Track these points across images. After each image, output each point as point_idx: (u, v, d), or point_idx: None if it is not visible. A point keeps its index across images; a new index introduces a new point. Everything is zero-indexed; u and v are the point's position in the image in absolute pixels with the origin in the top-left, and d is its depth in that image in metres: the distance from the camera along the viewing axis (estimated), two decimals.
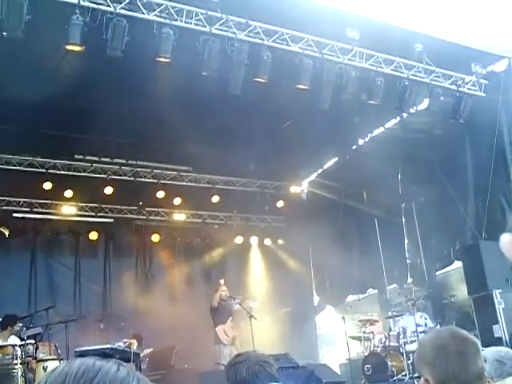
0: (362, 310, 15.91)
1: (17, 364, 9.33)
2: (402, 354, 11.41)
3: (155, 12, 9.43)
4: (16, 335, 10.35)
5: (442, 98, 12.36)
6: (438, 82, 12.19)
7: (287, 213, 18.37)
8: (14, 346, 9.61)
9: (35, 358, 9.95)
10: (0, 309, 11.50)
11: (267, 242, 18.51)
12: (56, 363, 9.75)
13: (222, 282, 13.28)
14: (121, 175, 15.91)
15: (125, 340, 11.48)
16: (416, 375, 10.07)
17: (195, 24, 9.78)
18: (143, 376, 1.23)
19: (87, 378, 1.14)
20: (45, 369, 9.56)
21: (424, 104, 12.85)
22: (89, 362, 1.19)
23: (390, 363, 11.51)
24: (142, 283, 15.65)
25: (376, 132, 15.59)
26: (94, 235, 15.74)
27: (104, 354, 9.61)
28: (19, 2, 8.27)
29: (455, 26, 11.51)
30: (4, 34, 8.48)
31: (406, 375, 11.05)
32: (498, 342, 10.72)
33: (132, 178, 16.03)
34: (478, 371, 2.32)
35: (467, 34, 11.72)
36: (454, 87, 12.35)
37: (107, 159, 15.74)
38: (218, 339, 12.78)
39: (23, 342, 9.79)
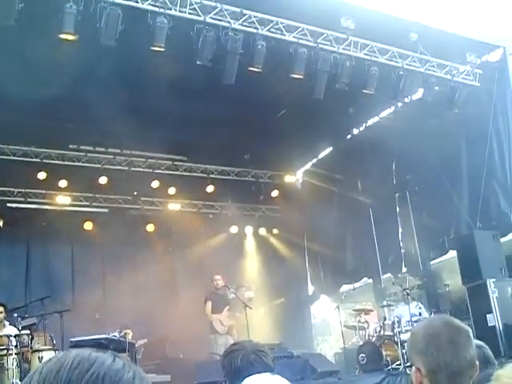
0: (357, 299, 15.94)
1: (12, 354, 9.33)
2: (397, 343, 11.43)
3: (149, 1, 9.40)
4: (10, 323, 10.39)
5: (436, 88, 12.36)
6: (433, 71, 12.18)
7: (282, 202, 18.37)
8: (9, 336, 9.62)
9: (31, 348, 9.95)
10: None
11: (262, 231, 18.54)
12: (51, 353, 9.76)
13: (217, 277, 13.19)
14: (115, 165, 15.86)
15: (120, 330, 11.50)
16: (407, 364, 10.11)
17: (189, 13, 9.76)
18: (139, 368, 1.23)
19: (82, 369, 1.14)
20: (40, 359, 9.56)
21: (419, 94, 12.84)
22: (84, 352, 1.19)
23: (384, 352, 11.54)
24: (136, 273, 15.63)
25: (370, 121, 15.59)
26: (88, 225, 15.72)
27: (99, 344, 9.61)
28: None
29: (450, 15, 11.54)
30: None
31: (400, 364, 11.08)
32: (492, 331, 10.78)
33: (126, 168, 15.99)
34: (469, 359, 2.32)
35: (462, 23, 11.75)
36: (448, 77, 12.34)
37: (102, 149, 15.71)
38: (213, 329, 12.78)
39: (18, 332, 9.80)
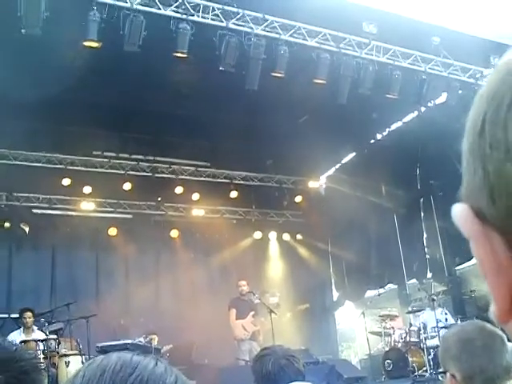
0: (382, 305, 15.87)
1: (40, 359, 9.40)
2: (423, 349, 11.35)
3: (172, 7, 9.48)
4: (38, 328, 10.50)
5: (460, 92, 12.28)
6: (456, 75, 12.11)
7: (306, 208, 18.33)
8: (36, 341, 9.71)
9: (58, 352, 10.03)
10: (22, 305, 11.58)
11: (286, 237, 18.47)
12: (78, 358, 9.84)
13: (242, 283, 13.17)
14: (139, 171, 15.92)
15: (145, 335, 11.55)
16: (440, 370, 10.01)
17: (212, 19, 9.82)
18: (180, 372, 1.23)
19: (125, 373, 1.14)
20: (67, 364, 9.62)
21: (442, 98, 12.76)
22: (126, 356, 1.19)
23: (410, 359, 11.45)
24: (161, 279, 15.69)
25: (394, 126, 15.52)
26: (113, 231, 15.77)
27: (125, 350, 9.61)
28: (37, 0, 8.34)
29: (473, 18, 11.43)
30: (23, 31, 8.56)
31: (426, 371, 11.00)
32: None
33: (150, 174, 16.05)
34: (505, 365, 2.29)
35: (485, 25, 11.63)
36: (472, 80, 12.25)
37: (125, 155, 15.78)
38: (235, 335, 12.74)
39: (46, 337, 9.90)
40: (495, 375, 2.26)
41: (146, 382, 1.13)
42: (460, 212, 0.68)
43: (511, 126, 0.61)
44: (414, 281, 15.06)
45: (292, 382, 3.51)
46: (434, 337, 11.38)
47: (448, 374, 2.35)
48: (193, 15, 9.58)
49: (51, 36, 8.84)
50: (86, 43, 9.15)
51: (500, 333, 2.38)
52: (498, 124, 0.63)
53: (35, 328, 10.66)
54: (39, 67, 10.35)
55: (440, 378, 9.72)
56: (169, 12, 9.44)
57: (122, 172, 15.64)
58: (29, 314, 10.71)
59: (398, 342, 12.36)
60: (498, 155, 0.63)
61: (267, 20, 10.25)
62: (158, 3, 9.37)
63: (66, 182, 14.82)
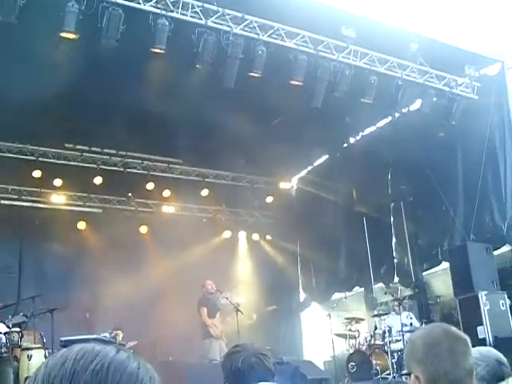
0: (348, 307, 15.94)
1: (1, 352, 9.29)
2: (387, 352, 11.46)
3: (151, 2, 9.44)
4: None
5: (434, 99, 12.40)
6: (432, 82, 12.24)
7: (276, 209, 18.37)
8: None
9: (20, 346, 9.90)
10: None
11: (255, 237, 18.51)
12: (41, 352, 9.74)
13: (209, 282, 13.22)
14: (111, 165, 15.86)
15: (110, 331, 11.48)
16: (404, 372, 10.10)
17: (191, 16, 9.80)
18: (144, 361, 1.24)
19: (87, 360, 1.17)
20: (29, 357, 9.51)
21: (416, 104, 12.87)
22: (88, 346, 1.22)
23: (374, 361, 11.53)
24: (128, 275, 15.57)
25: (367, 131, 15.62)
26: (81, 225, 15.66)
27: None
28: None
29: (451, 27, 11.58)
30: None
31: (390, 374, 11.10)
32: (482, 343, 10.78)
33: (122, 169, 15.99)
34: (468, 368, 2.34)
35: (462, 36, 11.80)
36: (446, 89, 12.40)
37: (97, 149, 15.69)
38: (208, 333, 12.72)
39: (8, 330, 9.76)
40: (459, 378, 2.31)
41: (108, 367, 1.16)
42: None
43: None
44: (380, 284, 15.17)
45: (261, 380, 3.52)
46: (399, 340, 11.50)
47: (412, 376, 2.39)
48: (172, 11, 9.55)
49: (27, 25, 8.74)
50: (63, 34, 9.05)
51: (465, 336, 2.43)
52: None
53: None
54: (14, 57, 10.24)
55: (404, 380, 9.82)
56: (148, 7, 9.40)
57: (94, 166, 15.54)
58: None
59: (363, 344, 12.44)
60: None
61: (246, 20, 10.25)
62: None
63: (37, 173, 14.71)
